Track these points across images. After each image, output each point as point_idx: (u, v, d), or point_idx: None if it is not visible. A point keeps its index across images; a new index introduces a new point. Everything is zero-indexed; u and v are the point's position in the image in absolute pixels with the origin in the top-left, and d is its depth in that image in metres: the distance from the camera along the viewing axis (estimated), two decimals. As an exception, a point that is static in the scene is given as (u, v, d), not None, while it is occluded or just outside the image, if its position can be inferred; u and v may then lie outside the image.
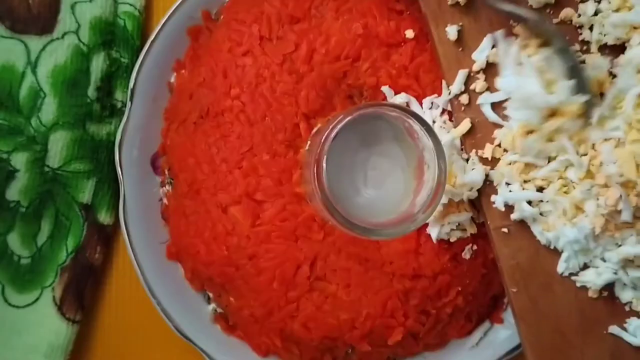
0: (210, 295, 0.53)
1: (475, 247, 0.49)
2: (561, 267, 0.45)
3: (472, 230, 0.48)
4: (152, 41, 0.52)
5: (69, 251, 0.53)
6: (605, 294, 0.45)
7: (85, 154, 0.52)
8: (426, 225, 0.48)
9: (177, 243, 0.52)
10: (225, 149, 0.49)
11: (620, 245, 0.44)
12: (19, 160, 0.52)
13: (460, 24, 0.46)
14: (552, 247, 0.45)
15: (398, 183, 0.44)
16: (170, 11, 0.52)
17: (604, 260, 0.44)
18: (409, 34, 0.49)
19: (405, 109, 0.41)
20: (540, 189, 0.45)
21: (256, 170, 0.48)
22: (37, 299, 0.52)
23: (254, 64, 0.49)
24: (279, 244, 0.48)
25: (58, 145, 0.52)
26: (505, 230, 0.46)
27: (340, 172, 0.43)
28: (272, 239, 0.48)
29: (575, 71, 0.43)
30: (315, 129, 0.48)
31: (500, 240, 0.46)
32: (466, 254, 0.49)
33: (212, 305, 0.53)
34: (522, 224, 0.46)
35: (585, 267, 0.45)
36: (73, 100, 0.52)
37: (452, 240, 0.48)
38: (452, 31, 0.46)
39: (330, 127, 0.41)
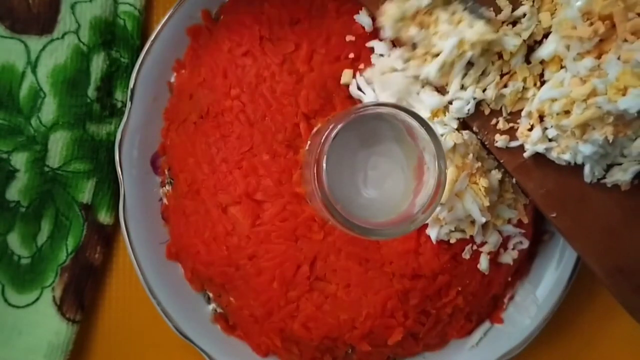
0: (210, 295, 0.53)
1: (475, 247, 0.49)
2: (588, 177, 0.46)
3: (471, 231, 0.48)
4: (152, 41, 0.52)
5: (69, 251, 0.53)
6: (636, 182, 0.46)
7: (85, 154, 0.52)
8: (426, 225, 0.48)
9: (177, 243, 0.52)
10: (225, 149, 0.49)
11: (635, 139, 0.44)
12: (19, 160, 0.52)
13: None
14: (572, 164, 0.46)
15: (398, 183, 0.44)
16: (171, 11, 0.52)
17: (624, 156, 0.45)
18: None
19: (405, 109, 0.41)
20: (541, 117, 0.45)
21: (256, 170, 0.48)
22: (37, 299, 0.52)
23: (254, 64, 0.49)
24: (279, 244, 0.48)
25: (58, 145, 0.52)
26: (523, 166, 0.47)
27: (340, 172, 0.43)
28: (272, 239, 0.48)
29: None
30: (315, 129, 0.48)
31: (522, 177, 0.46)
32: (466, 254, 0.49)
33: (212, 305, 0.53)
34: (537, 155, 0.46)
35: (609, 167, 0.46)
36: (73, 100, 0.52)
37: (451, 241, 0.48)
38: None
39: (330, 127, 0.41)
